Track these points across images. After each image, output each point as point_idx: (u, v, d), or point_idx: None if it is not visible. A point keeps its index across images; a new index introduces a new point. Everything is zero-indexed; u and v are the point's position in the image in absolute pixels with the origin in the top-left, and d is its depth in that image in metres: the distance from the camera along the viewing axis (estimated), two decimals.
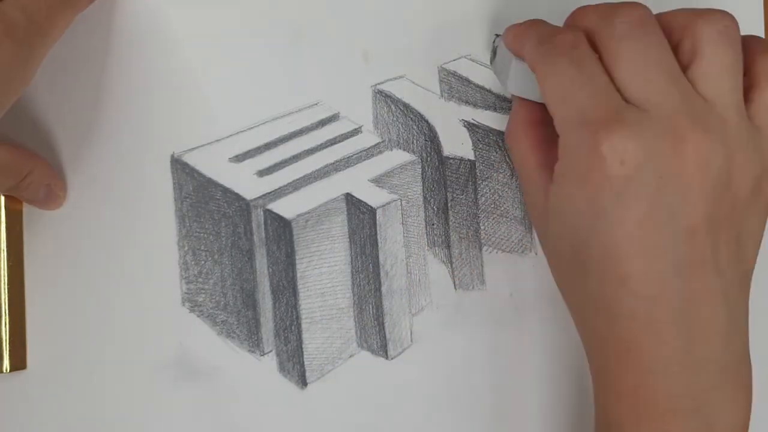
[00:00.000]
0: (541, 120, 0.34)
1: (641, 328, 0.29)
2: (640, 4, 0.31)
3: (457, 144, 0.39)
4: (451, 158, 0.39)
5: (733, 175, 0.29)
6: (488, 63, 0.39)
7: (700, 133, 0.29)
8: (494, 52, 0.37)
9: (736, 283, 0.31)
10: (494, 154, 0.39)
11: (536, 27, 0.33)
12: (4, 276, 0.36)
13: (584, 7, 0.32)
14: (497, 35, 0.36)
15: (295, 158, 0.38)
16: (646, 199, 0.28)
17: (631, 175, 0.28)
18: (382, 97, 0.39)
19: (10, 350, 0.36)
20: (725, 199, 0.29)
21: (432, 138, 0.39)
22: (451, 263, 0.39)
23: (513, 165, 0.35)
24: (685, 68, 0.30)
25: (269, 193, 0.37)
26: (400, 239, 0.38)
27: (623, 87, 0.30)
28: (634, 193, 0.28)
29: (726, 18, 0.30)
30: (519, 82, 0.34)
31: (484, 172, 0.39)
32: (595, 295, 0.30)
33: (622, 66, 0.30)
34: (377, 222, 0.37)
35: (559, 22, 0.40)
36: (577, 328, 0.33)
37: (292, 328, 0.38)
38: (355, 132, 0.39)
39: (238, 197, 0.37)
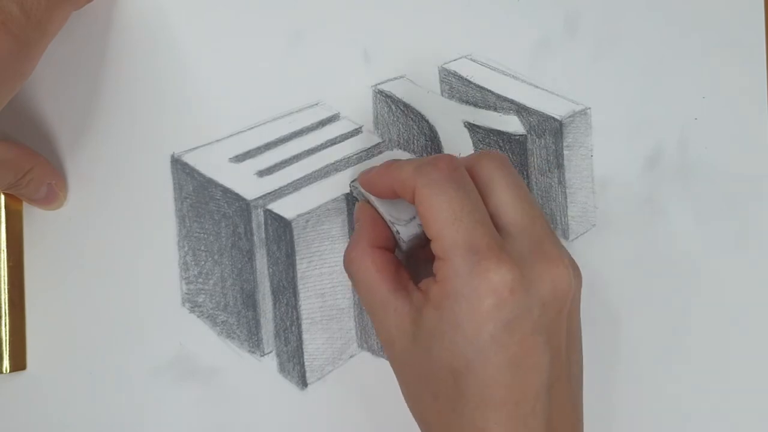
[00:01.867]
0: (385, 245, 0.34)
1: None
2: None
3: (457, 144, 0.39)
4: None
5: (573, 291, 0.31)
6: (488, 63, 0.39)
7: (564, 260, 0.31)
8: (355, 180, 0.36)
9: (579, 390, 0.33)
10: None
11: (401, 162, 0.33)
12: (4, 276, 0.36)
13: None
14: (354, 181, 0.37)
15: (296, 158, 0.38)
16: (529, 326, 0.30)
17: (518, 303, 0.29)
18: (383, 97, 0.39)
19: (10, 351, 0.36)
20: (575, 319, 0.32)
21: (432, 138, 0.39)
22: None
23: (356, 289, 0.34)
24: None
25: (269, 193, 0.37)
26: None
27: (494, 211, 0.32)
28: (519, 322, 0.29)
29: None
30: (381, 202, 0.34)
31: None
32: (467, 417, 0.30)
33: (498, 194, 0.32)
34: None
35: (558, 21, 0.40)
36: None
37: (293, 328, 0.38)
38: (356, 132, 0.39)
39: (238, 197, 0.37)
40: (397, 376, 0.33)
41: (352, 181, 0.36)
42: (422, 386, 0.31)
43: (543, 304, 0.30)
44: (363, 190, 0.35)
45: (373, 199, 0.34)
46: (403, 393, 0.33)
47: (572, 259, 0.32)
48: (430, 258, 0.32)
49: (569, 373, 0.31)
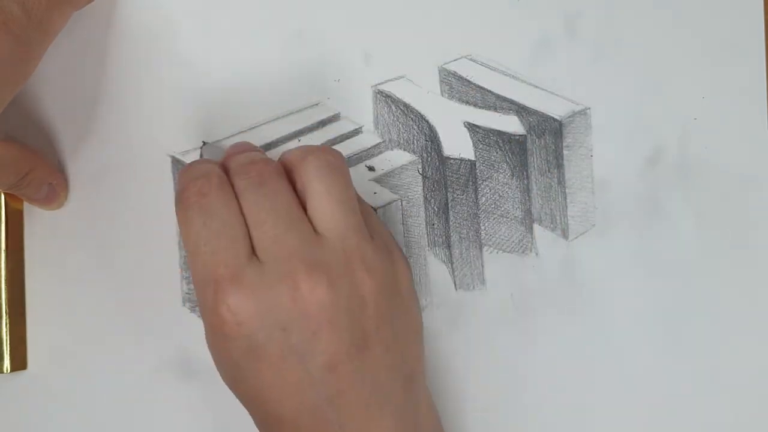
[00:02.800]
0: None
1: None
2: (257, 152, 0.32)
3: (457, 144, 0.39)
4: (452, 158, 0.39)
5: (365, 296, 0.30)
6: (488, 63, 0.39)
7: (314, 274, 0.29)
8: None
9: (399, 388, 0.31)
10: (494, 154, 0.39)
11: (190, 169, 0.31)
12: (4, 276, 0.36)
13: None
14: (205, 143, 0.36)
15: None
16: (275, 349, 0.29)
17: (252, 333, 0.29)
18: (383, 97, 0.39)
19: (10, 350, 0.36)
20: (364, 321, 0.30)
21: (432, 138, 0.39)
22: (452, 263, 0.39)
23: None
24: (305, 208, 0.31)
25: None
26: (401, 239, 0.38)
27: (252, 236, 0.30)
28: (262, 347, 0.29)
29: (327, 153, 0.32)
30: None
31: (485, 173, 0.39)
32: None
33: (247, 215, 0.30)
34: None
35: (558, 21, 0.40)
36: None
37: None
38: (356, 132, 0.39)
39: None
40: None
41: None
42: None
43: (283, 328, 0.29)
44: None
45: None
46: None
47: (320, 262, 0.30)
48: None
49: (373, 385, 0.30)
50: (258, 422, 0.32)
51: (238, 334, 0.29)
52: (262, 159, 0.32)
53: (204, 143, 0.36)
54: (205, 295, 0.29)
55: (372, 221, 0.33)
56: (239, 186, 0.30)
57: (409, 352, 0.32)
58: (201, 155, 0.37)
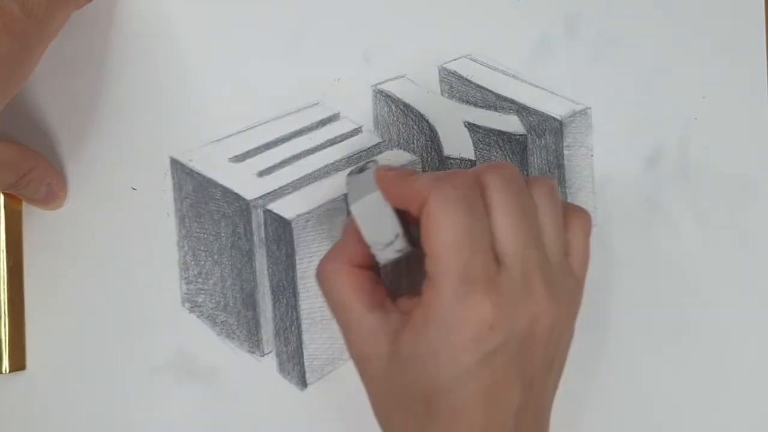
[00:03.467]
0: (364, 263, 0.33)
1: None
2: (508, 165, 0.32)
3: (457, 144, 0.39)
4: (452, 158, 0.39)
5: (562, 330, 0.32)
6: (488, 63, 0.39)
7: (553, 304, 0.31)
8: (361, 169, 0.34)
9: (549, 409, 0.34)
10: (494, 154, 0.39)
11: (419, 173, 0.33)
12: (4, 276, 0.36)
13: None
14: (372, 161, 0.35)
15: (296, 158, 0.38)
16: (505, 359, 0.30)
17: (498, 339, 0.29)
18: (383, 96, 0.39)
19: (9, 351, 0.36)
20: (553, 350, 0.32)
21: (432, 138, 0.39)
22: None
23: (327, 302, 0.33)
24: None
25: (269, 193, 0.37)
26: None
27: (497, 239, 0.31)
28: (496, 355, 0.30)
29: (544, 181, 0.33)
30: (367, 211, 0.32)
31: None
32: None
33: (496, 218, 0.31)
34: None
35: (558, 21, 0.40)
36: None
37: (293, 328, 0.38)
38: (356, 132, 0.39)
39: (238, 197, 0.37)
40: (368, 392, 0.33)
41: (349, 174, 0.35)
42: (394, 405, 0.31)
43: (520, 340, 0.30)
44: (348, 202, 0.33)
45: (354, 215, 0.33)
46: (373, 408, 0.33)
47: (565, 290, 0.32)
48: (411, 271, 0.31)
49: (538, 401, 0.32)
50: (424, 428, 0.31)
51: (485, 337, 0.29)
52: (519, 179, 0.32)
53: (373, 161, 0.35)
54: (457, 293, 0.29)
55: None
56: (495, 197, 0.31)
57: (559, 375, 0.34)
58: (363, 167, 0.34)
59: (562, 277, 0.32)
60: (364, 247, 0.33)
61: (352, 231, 0.33)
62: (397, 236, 0.32)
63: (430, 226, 0.30)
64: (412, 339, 0.30)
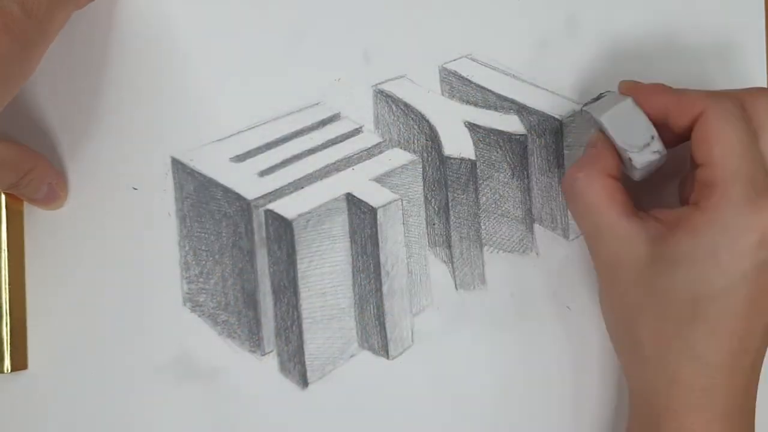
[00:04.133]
0: (615, 174, 0.34)
1: (726, 377, 0.31)
2: None
3: (457, 144, 0.39)
4: (452, 158, 0.39)
5: None
6: (488, 63, 0.39)
7: None
8: (598, 97, 0.36)
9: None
10: (495, 153, 0.39)
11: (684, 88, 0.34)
12: (5, 276, 0.36)
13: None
14: (609, 91, 0.36)
15: (296, 158, 0.38)
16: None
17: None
18: (383, 96, 0.39)
19: (11, 350, 0.36)
20: None
21: (433, 138, 0.39)
22: (452, 263, 0.39)
23: (574, 212, 0.35)
24: None
25: (270, 192, 0.37)
26: (401, 239, 0.38)
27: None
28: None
29: None
30: (620, 118, 0.34)
31: (485, 172, 0.39)
32: (690, 342, 0.32)
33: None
34: (378, 222, 0.37)
35: (558, 21, 0.40)
36: (632, 369, 0.34)
37: (293, 328, 0.38)
38: (356, 132, 0.39)
39: (239, 197, 0.37)
40: (610, 298, 0.34)
41: (584, 105, 0.36)
42: (649, 308, 0.32)
43: None
44: (595, 116, 0.35)
45: (606, 125, 0.34)
46: (606, 309, 0.35)
47: None
48: (660, 188, 0.34)
49: None
50: (682, 330, 0.32)
51: (766, 244, 0.30)
52: None
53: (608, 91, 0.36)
54: (744, 195, 0.31)
55: None
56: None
57: None
58: (600, 95, 0.36)
59: None
60: (616, 158, 0.34)
61: (602, 144, 0.34)
62: (653, 137, 0.34)
63: (711, 135, 0.31)
64: (690, 242, 0.31)
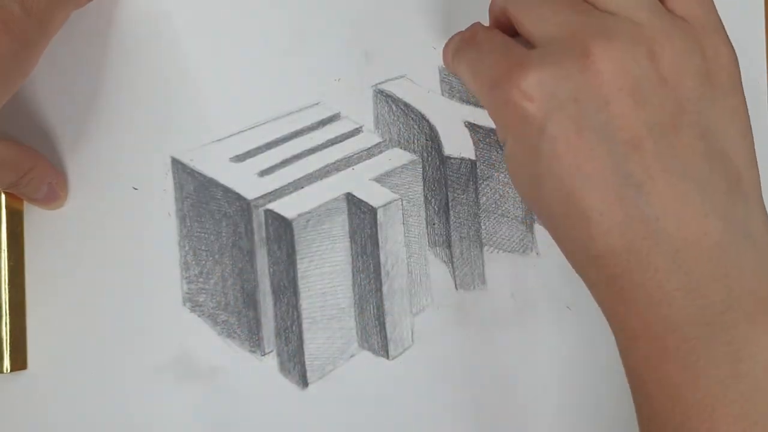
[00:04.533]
0: None
1: (624, 263, 0.27)
2: None
3: (457, 144, 0.39)
4: (452, 158, 0.39)
5: (663, 72, 0.28)
6: None
7: (603, 42, 0.27)
8: None
9: (723, 189, 0.28)
10: (495, 153, 0.39)
11: (453, 40, 0.34)
12: (5, 276, 0.36)
13: None
14: None
15: (296, 158, 0.38)
16: (570, 125, 0.27)
17: (543, 106, 0.28)
18: (383, 96, 0.39)
19: (10, 350, 0.36)
20: (665, 99, 0.28)
21: (433, 138, 0.39)
22: (452, 263, 0.39)
23: None
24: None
25: (270, 192, 0.37)
26: (401, 239, 0.38)
27: (528, 35, 0.30)
28: (556, 123, 0.28)
29: None
30: None
31: (485, 172, 0.39)
32: (571, 239, 0.29)
33: (518, 15, 0.30)
34: (378, 222, 0.37)
35: None
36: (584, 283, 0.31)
37: (293, 328, 0.38)
38: (356, 132, 0.39)
39: (238, 197, 0.37)
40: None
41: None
42: (547, 226, 0.31)
43: (575, 98, 0.28)
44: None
45: None
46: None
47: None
48: None
49: (683, 175, 0.28)
50: (564, 233, 0.29)
51: (530, 110, 0.28)
52: None
53: None
54: (494, 99, 0.29)
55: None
56: None
57: (734, 152, 0.29)
58: None
59: (655, 29, 0.29)
60: None
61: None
62: None
63: (463, 83, 0.35)
64: (508, 160, 0.31)
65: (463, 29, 0.33)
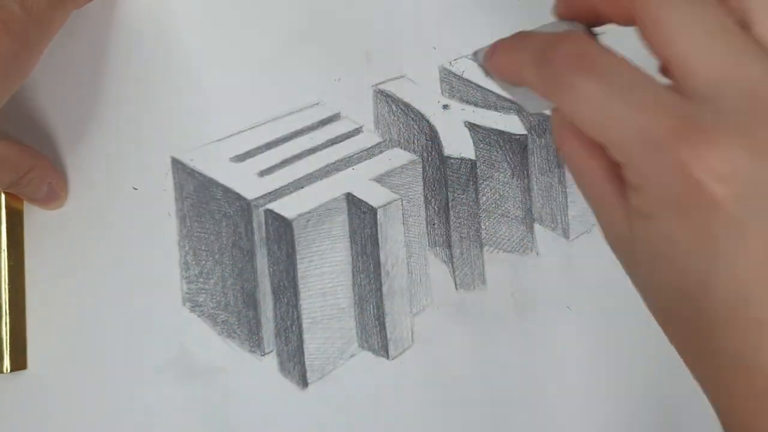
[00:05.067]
0: None
1: None
2: None
3: (457, 144, 0.39)
4: (452, 158, 0.39)
5: None
6: None
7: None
8: (486, 72, 0.30)
9: None
10: (495, 153, 0.39)
11: (523, 46, 0.26)
12: (5, 276, 0.36)
13: None
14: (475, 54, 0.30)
15: (296, 158, 0.38)
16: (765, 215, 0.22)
17: (739, 192, 0.22)
18: (383, 96, 0.39)
19: (10, 350, 0.36)
20: None
21: (433, 138, 0.39)
22: (452, 263, 0.39)
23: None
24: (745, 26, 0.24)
25: (270, 192, 0.37)
26: (401, 239, 0.38)
27: (669, 59, 0.24)
28: (752, 214, 0.22)
29: None
30: (536, 103, 0.27)
31: (485, 172, 0.39)
32: (724, 347, 0.24)
33: (666, 39, 0.24)
34: (378, 222, 0.37)
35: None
36: (701, 386, 0.27)
37: (293, 328, 0.38)
38: (356, 132, 0.39)
39: (239, 197, 0.37)
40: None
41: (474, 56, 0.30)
42: (663, 314, 0.27)
43: None
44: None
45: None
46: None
47: None
48: None
49: None
50: (708, 336, 0.24)
51: (722, 194, 0.22)
52: None
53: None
54: (655, 164, 0.22)
55: None
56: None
57: None
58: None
59: None
60: None
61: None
62: None
63: (576, 122, 0.25)
64: (646, 233, 0.24)
65: (528, 33, 0.27)
